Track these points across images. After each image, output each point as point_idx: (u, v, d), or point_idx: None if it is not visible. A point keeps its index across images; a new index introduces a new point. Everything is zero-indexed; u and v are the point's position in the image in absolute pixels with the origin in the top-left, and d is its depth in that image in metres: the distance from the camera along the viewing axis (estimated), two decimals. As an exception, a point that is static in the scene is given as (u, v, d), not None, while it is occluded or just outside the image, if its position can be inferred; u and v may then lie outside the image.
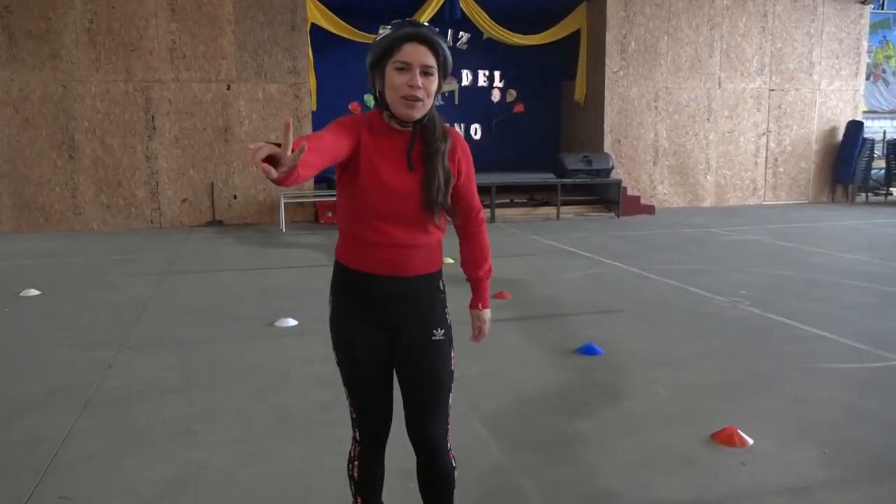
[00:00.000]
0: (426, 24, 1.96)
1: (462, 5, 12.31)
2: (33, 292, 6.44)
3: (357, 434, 2.16)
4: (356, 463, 2.17)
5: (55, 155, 10.85)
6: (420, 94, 1.89)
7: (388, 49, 1.91)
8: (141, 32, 10.92)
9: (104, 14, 10.76)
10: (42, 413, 3.66)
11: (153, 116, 11.12)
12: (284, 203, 11.29)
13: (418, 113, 1.93)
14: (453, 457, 2.16)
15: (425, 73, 1.90)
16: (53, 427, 3.46)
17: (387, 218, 1.96)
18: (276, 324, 5.30)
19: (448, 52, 1.96)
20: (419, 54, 1.89)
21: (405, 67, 1.89)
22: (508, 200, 12.45)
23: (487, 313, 2.24)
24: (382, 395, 2.11)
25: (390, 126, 1.99)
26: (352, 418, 2.15)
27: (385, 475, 2.25)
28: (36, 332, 5.26)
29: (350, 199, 1.99)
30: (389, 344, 2.08)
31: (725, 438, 3.19)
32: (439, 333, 2.08)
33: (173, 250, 8.99)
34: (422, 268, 2.04)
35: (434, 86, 1.93)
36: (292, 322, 5.29)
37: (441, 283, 2.13)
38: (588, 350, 4.56)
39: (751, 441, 3.20)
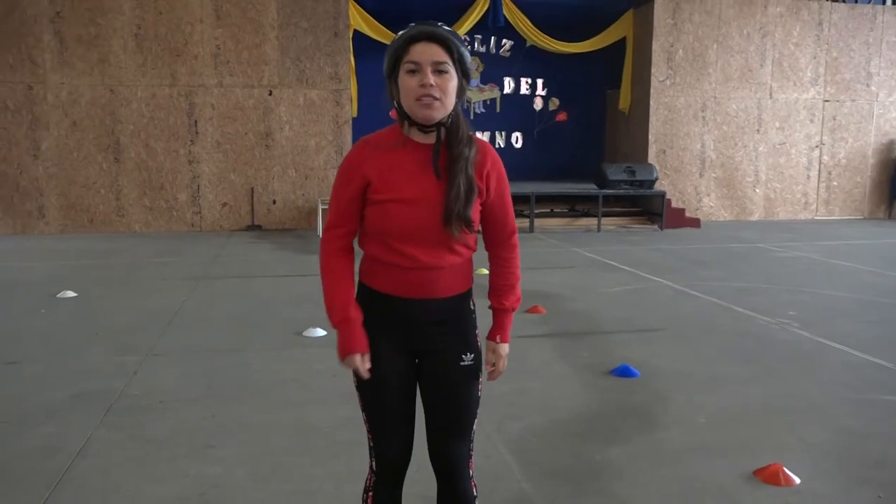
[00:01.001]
0: (439, 23, 1.83)
1: (505, 12, 12.19)
2: (70, 294, 6.51)
3: (374, 464, 2.03)
4: (370, 494, 2.04)
5: (101, 158, 11.07)
6: (435, 92, 1.77)
7: (399, 53, 1.81)
8: (186, 38, 11.07)
9: (151, 20, 10.95)
10: (63, 420, 3.62)
11: (196, 121, 11.25)
12: (322, 209, 11.29)
13: (437, 113, 1.80)
14: (475, 485, 2.03)
15: (438, 70, 1.78)
16: (72, 435, 3.42)
17: (411, 239, 1.84)
18: (305, 333, 5.22)
19: (463, 48, 1.82)
20: (429, 52, 1.78)
21: (416, 68, 1.78)
22: (549, 210, 12.25)
23: (506, 348, 2.04)
24: (404, 423, 1.98)
25: (410, 139, 1.87)
26: (369, 446, 2.02)
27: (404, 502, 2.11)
28: (67, 334, 5.28)
29: (370, 222, 1.88)
30: (414, 367, 1.97)
31: (770, 476, 2.96)
32: (468, 358, 1.96)
33: (211, 254, 9.03)
34: (450, 289, 1.92)
35: (451, 84, 1.80)
36: (321, 332, 5.20)
37: (471, 303, 2.00)
38: (623, 372, 4.35)
39: (797, 480, 2.96)
